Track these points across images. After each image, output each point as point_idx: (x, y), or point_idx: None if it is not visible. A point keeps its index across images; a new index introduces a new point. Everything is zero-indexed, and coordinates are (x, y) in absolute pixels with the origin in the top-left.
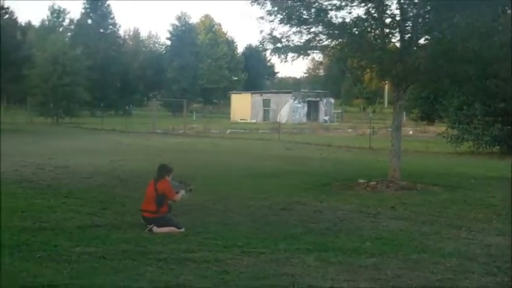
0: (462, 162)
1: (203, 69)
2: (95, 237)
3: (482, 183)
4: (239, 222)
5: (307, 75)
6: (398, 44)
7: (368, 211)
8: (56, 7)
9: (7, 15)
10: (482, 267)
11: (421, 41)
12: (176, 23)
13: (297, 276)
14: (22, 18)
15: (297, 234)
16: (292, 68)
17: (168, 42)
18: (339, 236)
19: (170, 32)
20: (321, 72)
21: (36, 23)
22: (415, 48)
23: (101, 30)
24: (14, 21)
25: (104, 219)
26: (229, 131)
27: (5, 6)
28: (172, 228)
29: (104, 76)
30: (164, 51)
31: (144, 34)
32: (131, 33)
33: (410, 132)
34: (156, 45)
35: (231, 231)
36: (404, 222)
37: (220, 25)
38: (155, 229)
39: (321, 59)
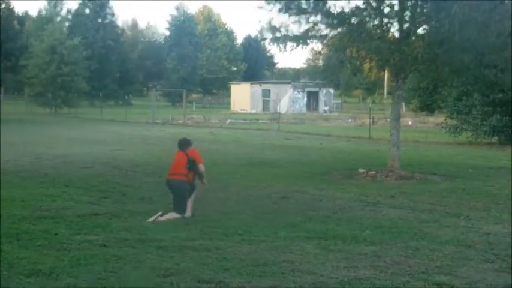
0: (461, 152)
1: (202, 59)
2: (95, 226)
3: (480, 173)
4: (239, 211)
5: (306, 65)
6: (396, 34)
7: (367, 200)
8: None
9: (3, 5)
10: (481, 254)
11: (419, 31)
12: (175, 13)
13: (296, 263)
14: (19, 8)
15: (297, 223)
16: (291, 58)
17: (167, 33)
18: (338, 224)
19: (169, 23)
20: (321, 62)
21: (33, 12)
22: (413, 37)
23: (99, 20)
24: (11, 11)
25: (104, 207)
26: (229, 121)
27: None
28: (174, 215)
29: (102, 66)
30: (163, 42)
31: (142, 25)
32: (129, 23)
33: (410, 122)
34: (155, 35)
35: (232, 220)
36: (403, 211)
37: (219, 15)
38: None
39: (320, 49)
